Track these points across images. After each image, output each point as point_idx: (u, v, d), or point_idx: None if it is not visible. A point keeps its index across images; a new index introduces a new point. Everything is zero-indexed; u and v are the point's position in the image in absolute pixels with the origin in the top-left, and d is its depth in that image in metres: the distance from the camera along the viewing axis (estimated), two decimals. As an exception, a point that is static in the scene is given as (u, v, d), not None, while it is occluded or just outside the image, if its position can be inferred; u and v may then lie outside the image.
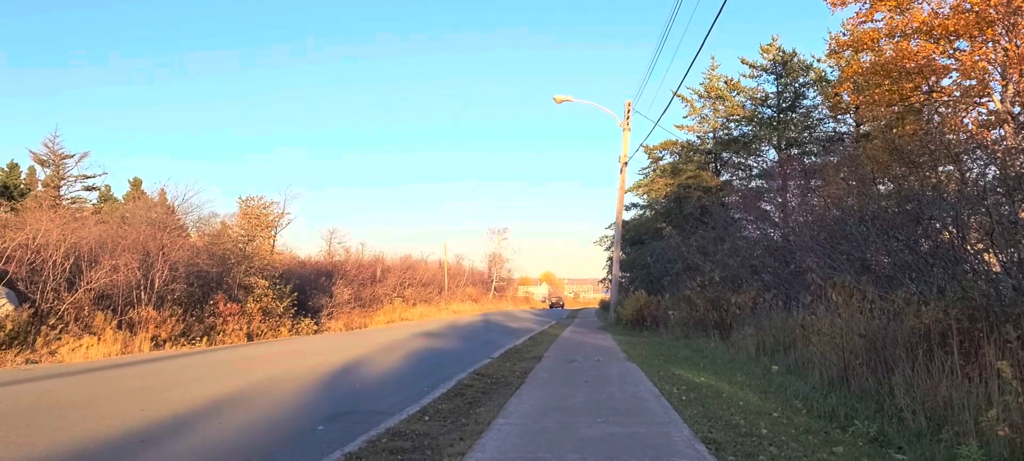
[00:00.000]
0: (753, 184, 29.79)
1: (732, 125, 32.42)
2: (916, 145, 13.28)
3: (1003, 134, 16.78)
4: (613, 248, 34.88)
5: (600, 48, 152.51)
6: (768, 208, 21.50)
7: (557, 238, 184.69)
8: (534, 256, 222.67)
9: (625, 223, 35.49)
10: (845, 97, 23.37)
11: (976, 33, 16.83)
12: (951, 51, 17.95)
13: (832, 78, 27.90)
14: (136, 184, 43.39)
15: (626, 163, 31.05)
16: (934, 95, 18.91)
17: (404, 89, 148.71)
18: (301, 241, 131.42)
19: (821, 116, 29.63)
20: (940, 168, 12.00)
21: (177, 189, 38.96)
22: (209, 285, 23.18)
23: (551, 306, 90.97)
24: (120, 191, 44.82)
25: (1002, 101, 17.40)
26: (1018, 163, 9.64)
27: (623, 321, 29.05)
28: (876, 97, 19.54)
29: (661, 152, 35.71)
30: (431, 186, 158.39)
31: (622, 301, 31.50)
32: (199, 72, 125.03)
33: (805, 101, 30.24)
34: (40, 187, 39.99)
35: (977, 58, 17.11)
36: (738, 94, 32.00)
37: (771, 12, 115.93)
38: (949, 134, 15.63)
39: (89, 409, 8.92)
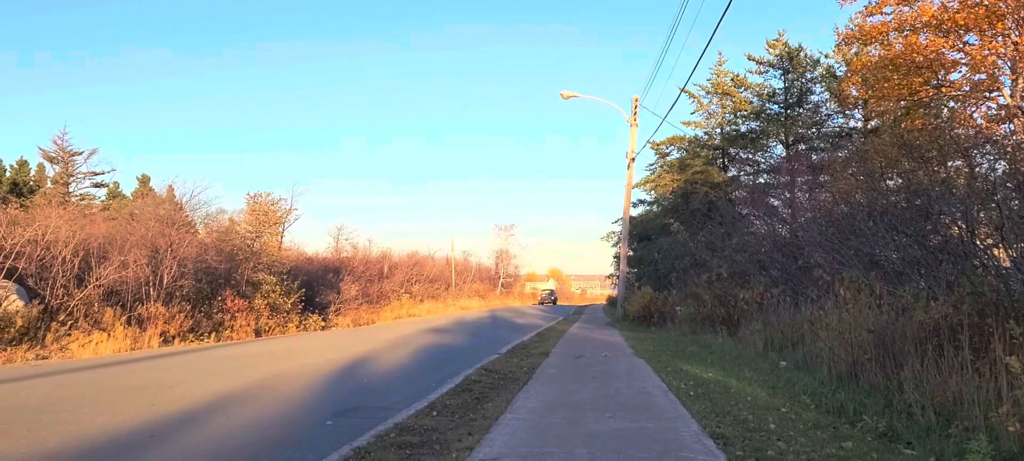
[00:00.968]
0: (761, 180, 29.68)
1: (739, 121, 32.34)
2: (925, 140, 13.23)
3: (1013, 128, 16.71)
4: (620, 244, 34.84)
5: (607, 44, 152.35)
6: (776, 204, 21.43)
7: (564, 235, 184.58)
8: (541, 253, 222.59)
9: (632, 219, 35.43)
10: (853, 92, 23.29)
11: (986, 27, 16.75)
12: (961, 45, 17.85)
13: (840, 73, 27.81)
14: (144, 181, 43.56)
15: (633, 159, 31.03)
16: (943, 89, 18.83)
17: (410, 85, 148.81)
18: (309, 237, 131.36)
19: (829, 111, 29.54)
20: (949, 163, 11.95)
21: (185, 186, 39.12)
22: (217, 281, 23.27)
23: (540, 302, 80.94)
24: (129, 188, 45.01)
25: (1012, 95, 17.31)
26: (1028, 157, 9.60)
27: (630, 317, 29.03)
28: (885, 92, 19.47)
29: (668, 148, 35.65)
30: (438, 183, 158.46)
31: (629, 297, 31.47)
32: (206, 68, 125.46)
33: (813, 97, 30.15)
34: (49, 184, 40.19)
35: (987, 52, 17.03)
36: (745, 90, 31.91)
37: (778, 8, 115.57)
38: (958, 128, 15.59)
39: (99, 404, 8.97)
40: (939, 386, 6.84)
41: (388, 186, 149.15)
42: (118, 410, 8.43)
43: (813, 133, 29.29)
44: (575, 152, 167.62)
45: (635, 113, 30.34)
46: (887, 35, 19.23)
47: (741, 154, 32.77)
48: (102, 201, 40.67)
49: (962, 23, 16.96)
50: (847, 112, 28.15)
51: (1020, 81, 16.95)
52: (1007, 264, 7.99)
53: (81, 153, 39.81)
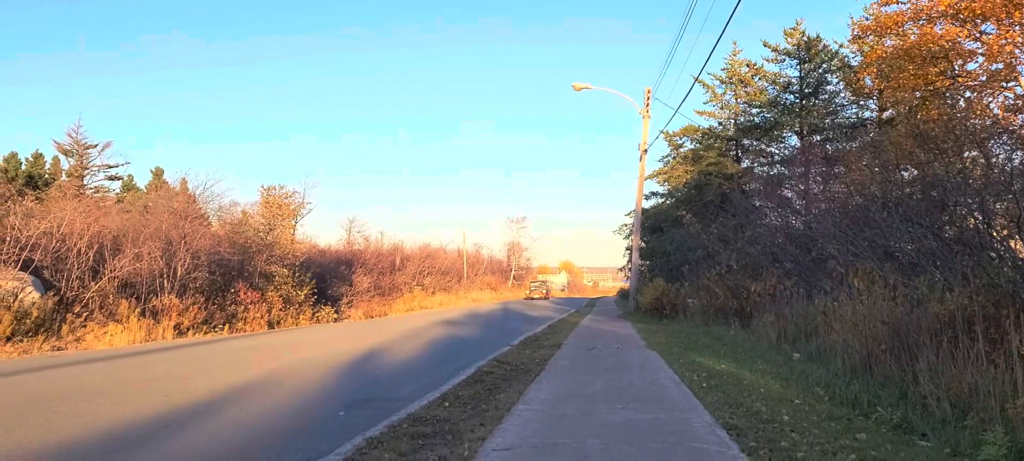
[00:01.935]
0: (775, 171, 29.50)
1: (754, 111, 32.13)
2: (941, 130, 13.11)
3: (1030, 119, 16.52)
4: (632, 236, 34.75)
5: (619, 35, 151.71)
6: (790, 195, 21.33)
7: (576, 227, 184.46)
8: (553, 245, 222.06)
9: (645, 211, 35.33)
10: (868, 82, 23.09)
11: (1003, 16, 16.55)
12: (977, 34, 17.65)
13: (855, 63, 27.58)
14: (158, 173, 43.82)
15: (646, 150, 30.91)
16: (959, 79, 18.63)
17: (424, 77, 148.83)
18: (321, 230, 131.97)
19: (844, 102, 29.29)
20: (965, 154, 11.85)
21: (198, 178, 39.20)
22: (231, 273, 23.38)
23: (529, 297, 64.94)
24: (142, 181, 45.29)
25: (1029, 85, 17.12)
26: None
27: (642, 309, 28.98)
28: (900, 82, 19.28)
29: (681, 139, 35.47)
30: (450, 175, 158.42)
31: (641, 289, 31.40)
32: (220, 62, 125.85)
33: (828, 87, 29.90)
34: (64, 177, 40.46)
35: (1004, 41, 16.83)
36: (760, 79, 31.70)
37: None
38: (975, 119, 15.44)
39: (115, 395, 9.04)
40: (954, 378, 6.80)
41: (400, 179, 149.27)
42: (134, 401, 8.50)
43: (828, 124, 29.07)
44: (588, 145, 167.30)
45: (647, 104, 30.22)
46: (903, 25, 19.04)
47: (755, 145, 32.57)
48: (116, 194, 40.92)
49: (979, 12, 16.77)
50: (862, 102, 27.91)
51: (1038, 71, 16.76)
52: (1024, 255, 7.92)
53: (95, 146, 40.05)
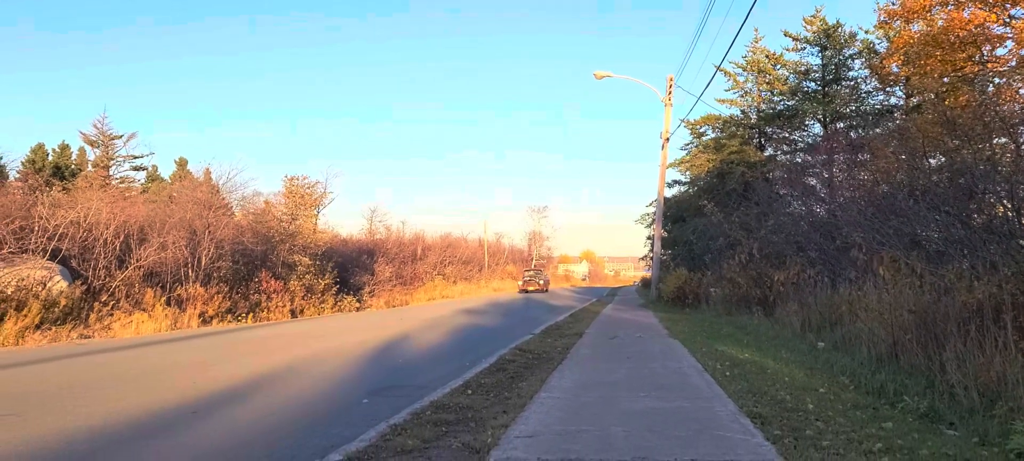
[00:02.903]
0: (798, 159, 29.19)
1: (776, 99, 31.82)
2: (969, 117, 12.91)
3: (1061, 105, 16.20)
4: (654, 225, 34.60)
5: (641, 23, 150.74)
6: (813, 183, 21.09)
7: (597, 216, 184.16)
8: (574, 234, 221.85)
9: (667, 200, 35.13)
10: (894, 69, 22.78)
11: (1033, 0, 16.26)
12: (1007, 18, 17.35)
13: (881, 49, 27.21)
14: (181, 164, 44.30)
15: (667, 139, 30.72)
16: (988, 65, 18.33)
17: (443, 68, 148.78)
18: (343, 218, 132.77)
19: (869, 88, 28.93)
20: (994, 140, 11.66)
21: (221, 168, 39.52)
22: (254, 263, 23.58)
23: (523, 289, 53.18)
24: (166, 171, 45.76)
25: (1060, 70, 16.80)
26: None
27: (664, 298, 28.87)
28: (927, 68, 19.00)
29: (703, 127, 35.20)
30: (471, 165, 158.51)
31: (663, 278, 31.28)
32: (242, 48, 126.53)
33: (851, 73, 29.54)
34: (90, 167, 41.00)
35: (1034, 26, 16.53)
36: (781, 68, 31.38)
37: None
38: (1004, 105, 15.16)
39: (142, 382, 9.17)
40: (982, 367, 6.71)
41: (423, 165, 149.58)
42: (160, 388, 8.61)
43: (852, 111, 28.72)
44: (608, 134, 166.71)
45: (669, 92, 30.01)
46: (930, 10, 18.75)
47: (778, 133, 32.25)
48: (141, 184, 41.46)
49: (1008, -4, 16.50)
50: (888, 89, 27.55)
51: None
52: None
53: (120, 137, 40.59)
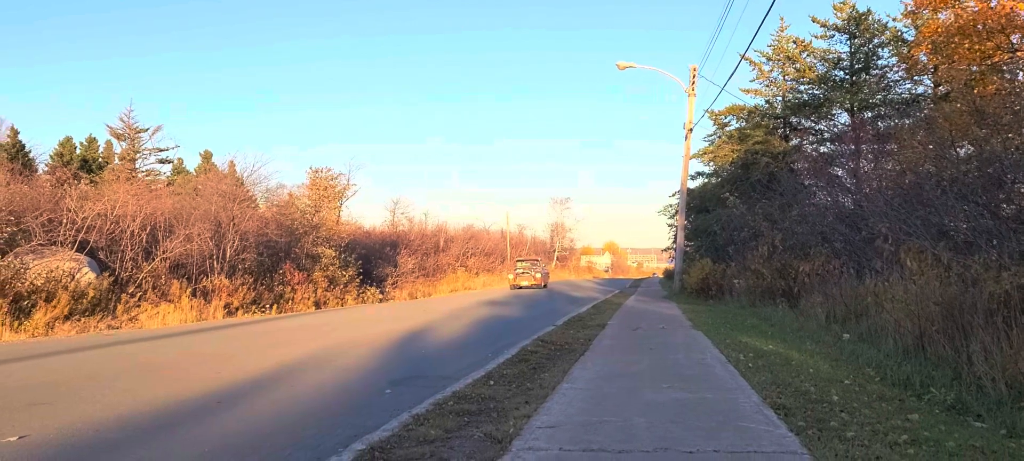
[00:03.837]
0: (824, 149, 28.87)
1: (802, 88, 31.46)
2: (998, 105, 12.68)
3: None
4: (677, 216, 34.42)
5: (664, 13, 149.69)
6: (839, 173, 20.86)
7: (620, 207, 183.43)
8: (596, 226, 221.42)
9: (690, 191, 34.91)
10: (922, 58, 22.45)
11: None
12: (1037, 6, 17.02)
13: (908, 38, 26.81)
14: (206, 156, 44.71)
15: (691, 130, 30.52)
16: (1018, 53, 17.99)
17: (465, 60, 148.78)
18: (366, 209, 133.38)
19: (896, 78, 28.50)
20: (1024, 129, 11.45)
21: (245, 161, 40.05)
22: (278, 255, 23.80)
23: (515, 285, 42.69)
24: (192, 164, 46.22)
25: (1093, 57, 16.46)
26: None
27: (688, 290, 28.72)
28: (956, 57, 18.69)
29: (727, 118, 34.90)
30: (494, 156, 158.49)
31: (687, 269, 31.12)
32: (269, 40, 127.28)
33: (879, 62, 29.12)
34: (117, 160, 41.54)
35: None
36: (808, 56, 31.00)
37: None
38: (1034, 93, 14.87)
39: (169, 372, 9.30)
40: (1011, 358, 6.61)
41: (445, 152, 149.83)
42: (186, 378, 8.72)
43: (879, 100, 28.33)
44: (631, 124, 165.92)
45: (693, 83, 29.79)
46: (958, -1, 18.45)
47: (803, 123, 31.89)
48: (167, 177, 41.91)
49: (1039, -17, 16.18)
50: (916, 78, 27.14)
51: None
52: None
53: (146, 130, 41.09)
